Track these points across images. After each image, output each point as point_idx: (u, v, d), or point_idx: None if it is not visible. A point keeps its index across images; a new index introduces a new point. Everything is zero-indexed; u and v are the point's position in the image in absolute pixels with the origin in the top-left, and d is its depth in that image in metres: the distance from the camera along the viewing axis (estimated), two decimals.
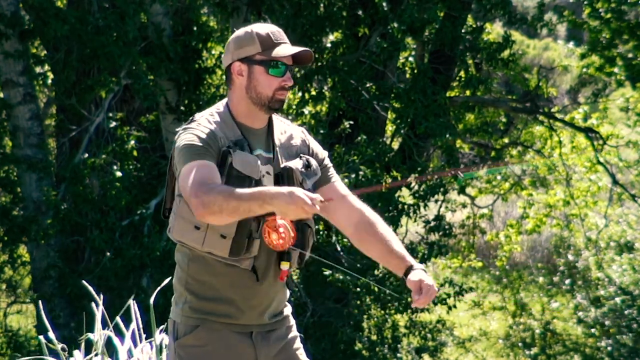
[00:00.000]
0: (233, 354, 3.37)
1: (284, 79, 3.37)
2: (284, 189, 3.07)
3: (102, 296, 4.52)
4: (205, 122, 3.35)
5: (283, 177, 3.37)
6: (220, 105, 3.44)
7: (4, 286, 13.13)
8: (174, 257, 3.48)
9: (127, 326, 4.49)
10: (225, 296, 3.35)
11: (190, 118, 3.42)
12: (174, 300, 3.44)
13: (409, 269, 3.37)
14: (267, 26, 3.42)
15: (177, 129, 3.41)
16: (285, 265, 3.39)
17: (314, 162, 3.47)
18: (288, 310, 3.53)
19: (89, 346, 4.43)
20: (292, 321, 3.54)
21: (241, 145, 3.34)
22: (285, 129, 3.52)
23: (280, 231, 3.19)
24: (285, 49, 3.37)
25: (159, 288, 4.60)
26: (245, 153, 3.33)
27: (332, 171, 3.56)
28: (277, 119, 3.51)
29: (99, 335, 4.34)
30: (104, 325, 4.46)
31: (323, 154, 3.57)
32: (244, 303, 3.37)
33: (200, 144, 3.25)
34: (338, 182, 3.55)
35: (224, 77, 12.23)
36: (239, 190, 3.09)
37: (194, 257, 3.36)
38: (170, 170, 3.43)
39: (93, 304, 4.47)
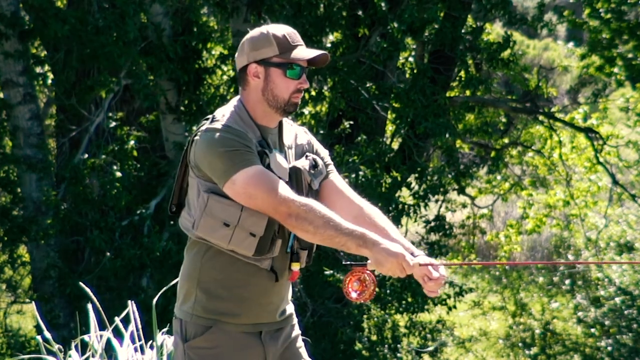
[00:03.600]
0: (243, 355, 3.38)
1: (301, 82, 3.38)
2: (390, 242, 3.18)
3: (99, 297, 4.52)
4: (234, 123, 3.34)
5: (291, 177, 3.39)
6: (235, 106, 3.42)
7: (4, 286, 13.13)
8: (183, 254, 3.47)
9: (126, 327, 4.49)
10: (238, 294, 3.36)
11: (212, 117, 3.39)
12: (181, 298, 3.42)
13: (411, 255, 3.34)
14: (283, 27, 3.41)
15: (200, 127, 3.36)
16: (296, 266, 3.42)
17: (320, 162, 3.50)
18: (291, 308, 3.56)
19: (87, 347, 4.43)
20: (295, 319, 3.58)
21: (264, 146, 3.36)
22: (291, 129, 3.55)
23: (365, 284, 3.22)
24: (303, 52, 3.38)
25: (161, 291, 4.59)
26: (276, 154, 3.36)
27: (332, 167, 3.59)
28: (284, 119, 3.52)
29: (94, 337, 4.34)
30: (103, 326, 4.46)
31: (324, 151, 3.60)
32: (257, 302, 3.38)
33: (246, 148, 3.27)
34: (338, 177, 3.58)
35: (223, 77, 12.25)
36: (339, 221, 3.18)
37: (212, 254, 3.35)
38: (182, 166, 3.42)
39: (89, 305, 4.47)
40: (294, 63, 3.36)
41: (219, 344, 3.35)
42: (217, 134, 3.28)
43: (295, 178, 3.39)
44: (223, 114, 3.38)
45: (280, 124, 3.48)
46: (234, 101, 3.45)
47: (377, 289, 3.26)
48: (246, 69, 3.39)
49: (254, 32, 3.42)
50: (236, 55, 3.45)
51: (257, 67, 3.38)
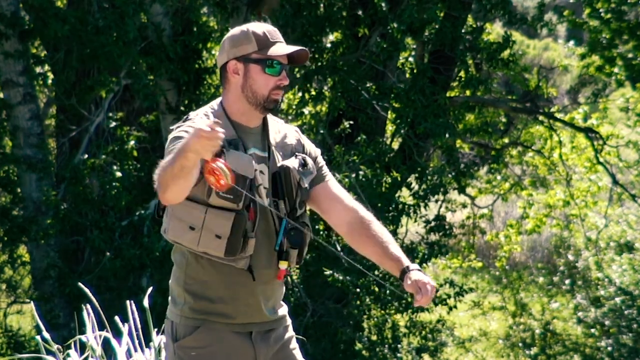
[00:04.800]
0: (233, 354, 3.37)
1: (280, 78, 3.37)
2: (187, 136, 3.04)
3: (99, 297, 4.52)
4: (199, 120, 3.32)
5: (280, 176, 3.38)
6: (214, 104, 3.43)
7: (4, 286, 13.13)
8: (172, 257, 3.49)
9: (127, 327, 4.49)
10: (223, 295, 3.35)
11: (185, 116, 3.40)
12: (171, 300, 3.43)
13: (405, 270, 3.36)
14: (263, 25, 3.41)
15: (171, 127, 3.40)
16: (283, 265, 3.39)
17: (310, 161, 3.47)
18: (285, 309, 3.53)
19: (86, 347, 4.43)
20: (289, 321, 3.55)
21: (235, 144, 3.33)
22: (280, 129, 3.52)
23: (216, 173, 3.07)
24: (282, 48, 3.37)
25: (150, 289, 4.60)
26: (239, 152, 3.31)
27: (325, 170, 3.56)
28: (271, 118, 3.51)
29: (92, 337, 4.34)
30: (103, 326, 4.46)
31: (316, 152, 3.57)
32: (244, 301, 3.37)
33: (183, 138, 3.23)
34: (332, 180, 3.55)
35: None
36: (167, 159, 3.08)
37: (192, 257, 3.35)
38: None
39: (88, 305, 4.47)
40: (273, 59, 3.36)
41: (208, 343, 3.34)
42: (174, 131, 3.29)
43: (283, 176, 3.38)
44: (197, 113, 3.39)
45: (266, 123, 3.47)
46: (214, 101, 3.46)
47: (229, 167, 3.07)
48: (226, 66, 3.39)
49: (234, 30, 3.42)
50: (217, 54, 3.46)
51: (236, 64, 3.37)
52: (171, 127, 3.37)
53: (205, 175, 3.11)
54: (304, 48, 3.39)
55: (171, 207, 3.32)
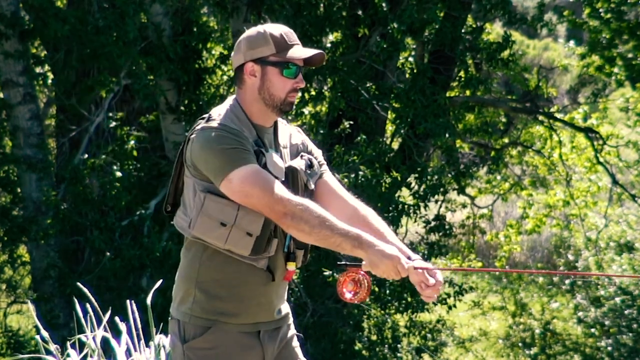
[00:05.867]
0: (243, 354, 3.38)
1: (297, 81, 3.40)
2: (385, 245, 3.18)
3: (99, 298, 4.53)
4: (230, 122, 3.33)
5: (288, 177, 3.39)
6: (231, 105, 3.42)
7: (4, 286, 13.14)
8: (180, 255, 3.47)
9: (126, 326, 4.50)
10: (237, 294, 3.36)
11: (208, 116, 3.38)
12: (178, 299, 3.41)
13: (407, 259, 3.32)
14: (280, 27, 3.42)
15: (196, 126, 3.35)
16: (292, 266, 3.42)
17: (315, 162, 3.49)
18: (287, 308, 3.57)
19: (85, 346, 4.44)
20: (291, 319, 3.58)
21: (260, 146, 3.36)
22: (285, 129, 3.55)
23: (360, 284, 3.22)
24: (300, 51, 3.39)
25: (154, 288, 4.60)
26: (272, 154, 3.36)
27: (325, 167, 3.58)
28: (278, 119, 3.52)
29: (90, 336, 4.34)
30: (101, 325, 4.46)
31: (318, 151, 3.60)
32: (256, 301, 3.38)
33: (243, 146, 3.26)
34: (331, 177, 3.57)
35: (223, 77, 12.25)
36: (334, 221, 3.17)
37: (211, 254, 3.35)
38: (177, 166, 3.41)
39: (84, 305, 4.48)
40: (290, 62, 3.37)
41: (218, 344, 3.35)
42: (214, 132, 3.28)
43: (291, 178, 3.39)
44: (219, 113, 3.38)
45: (276, 124, 3.49)
46: (230, 100, 3.45)
47: (371, 290, 3.25)
48: (243, 68, 3.40)
49: (250, 31, 3.42)
50: (232, 53, 3.45)
51: (253, 66, 3.38)
52: (199, 127, 3.32)
53: (345, 275, 3.24)
54: (321, 51, 3.41)
55: (202, 204, 3.31)
